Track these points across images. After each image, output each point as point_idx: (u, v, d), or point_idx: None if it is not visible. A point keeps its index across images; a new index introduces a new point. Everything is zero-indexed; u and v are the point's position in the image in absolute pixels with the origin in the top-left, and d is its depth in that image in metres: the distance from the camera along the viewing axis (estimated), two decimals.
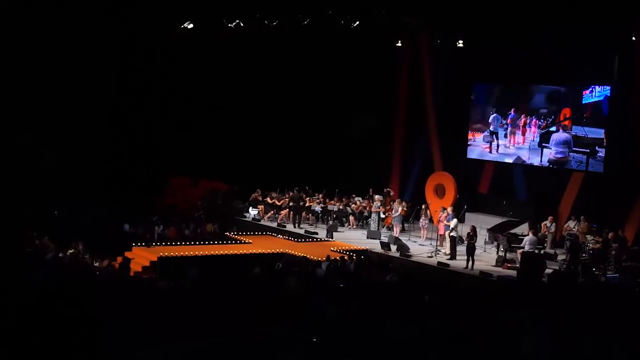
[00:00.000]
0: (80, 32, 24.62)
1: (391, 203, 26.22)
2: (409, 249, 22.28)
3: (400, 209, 24.99)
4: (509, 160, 27.00)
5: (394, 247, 22.41)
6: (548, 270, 19.34)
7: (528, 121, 26.28)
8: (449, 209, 22.98)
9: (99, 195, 24.91)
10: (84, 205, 23.75)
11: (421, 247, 23.40)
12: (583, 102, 24.80)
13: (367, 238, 24.76)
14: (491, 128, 27.36)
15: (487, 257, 22.06)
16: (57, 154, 24.00)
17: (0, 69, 23.06)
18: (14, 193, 22.38)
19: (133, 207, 24.49)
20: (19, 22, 23.45)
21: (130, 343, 8.91)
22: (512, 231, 22.38)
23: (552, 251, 22.42)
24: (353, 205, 27.62)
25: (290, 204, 26.80)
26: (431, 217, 24.87)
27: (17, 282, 12.41)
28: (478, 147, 27.89)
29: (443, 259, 21.54)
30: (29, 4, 23.22)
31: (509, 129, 26.93)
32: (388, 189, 28.11)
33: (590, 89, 24.58)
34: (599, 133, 24.25)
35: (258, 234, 24.98)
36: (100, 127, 26.23)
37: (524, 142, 26.47)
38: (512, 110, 26.75)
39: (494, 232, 22.78)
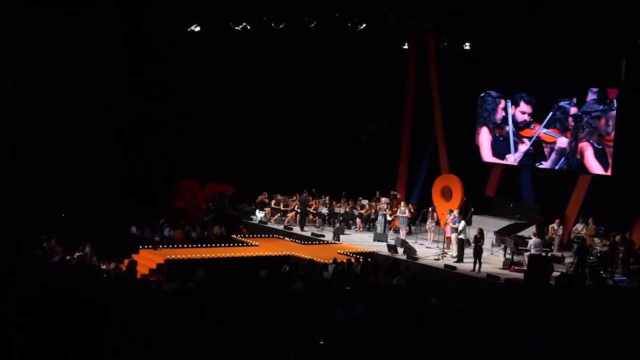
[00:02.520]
0: (89, 35, 24.72)
1: (398, 205, 26.21)
2: (415, 251, 22.27)
3: (406, 211, 24.97)
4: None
5: (400, 250, 22.40)
6: (555, 273, 19.31)
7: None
8: (455, 212, 22.97)
9: (107, 197, 24.95)
10: (91, 207, 23.81)
11: (428, 250, 23.40)
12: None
13: (374, 241, 24.75)
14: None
15: (494, 260, 22.04)
16: (66, 157, 24.07)
17: (10, 71, 23.22)
18: (22, 195, 22.48)
19: (141, 210, 24.51)
20: (28, 26, 23.60)
21: (138, 343, 8.92)
22: (520, 234, 22.33)
23: (559, 254, 22.37)
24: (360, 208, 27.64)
25: (297, 208, 26.80)
26: (438, 220, 24.85)
27: (25, 283, 12.44)
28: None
29: (450, 261, 21.52)
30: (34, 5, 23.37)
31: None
32: (395, 192, 28.11)
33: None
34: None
35: (265, 237, 24.99)
36: (109, 130, 26.26)
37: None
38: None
39: (501, 234, 22.75)
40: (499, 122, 27.44)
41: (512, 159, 27.22)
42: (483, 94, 27.92)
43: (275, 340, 8.26)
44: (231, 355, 8.00)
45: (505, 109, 27.32)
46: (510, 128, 27.17)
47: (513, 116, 26.99)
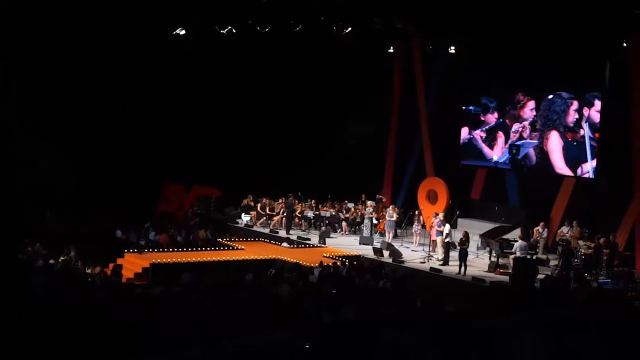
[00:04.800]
0: (77, 39, 24.69)
1: (383, 209, 26.23)
2: (401, 254, 22.30)
3: (394, 215, 25.01)
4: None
5: (386, 253, 22.42)
6: (540, 276, 19.39)
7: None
8: (441, 215, 23.03)
9: (93, 201, 24.87)
10: (77, 211, 23.72)
11: (414, 253, 23.42)
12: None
13: (360, 244, 24.76)
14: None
15: (479, 263, 22.10)
16: (51, 161, 23.98)
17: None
18: (7, 198, 22.36)
19: (126, 214, 24.43)
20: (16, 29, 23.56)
21: (124, 350, 8.88)
22: (505, 237, 22.43)
23: (544, 256, 22.47)
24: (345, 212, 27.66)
25: (282, 211, 26.80)
26: (424, 223, 24.89)
27: (11, 289, 12.36)
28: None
29: (436, 264, 21.56)
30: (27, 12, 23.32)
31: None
32: (380, 196, 28.15)
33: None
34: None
35: (250, 240, 24.94)
36: (94, 134, 26.18)
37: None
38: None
39: (486, 237, 22.83)
40: (572, 125, 24.99)
41: (588, 167, 24.50)
42: (552, 96, 25.51)
43: (263, 345, 8.25)
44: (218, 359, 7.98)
45: (576, 110, 24.88)
46: (586, 132, 24.58)
47: (588, 117, 24.49)
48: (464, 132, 28.36)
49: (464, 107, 28.35)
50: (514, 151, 26.75)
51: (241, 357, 7.81)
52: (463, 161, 28.57)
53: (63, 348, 8.76)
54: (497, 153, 27.42)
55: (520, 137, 26.67)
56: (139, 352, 8.49)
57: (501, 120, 27.30)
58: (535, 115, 26.16)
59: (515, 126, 26.74)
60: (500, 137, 27.30)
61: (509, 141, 26.94)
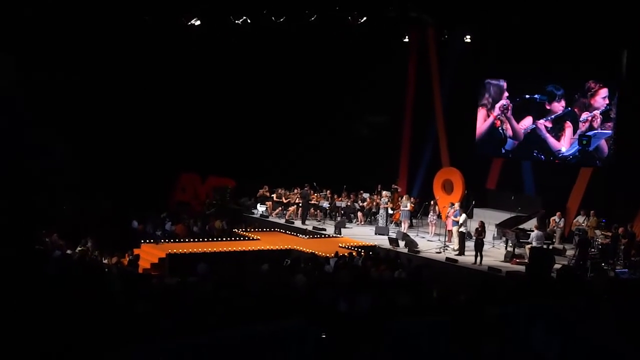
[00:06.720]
0: (90, 27, 24.75)
1: (399, 199, 26.21)
2: (417, 244, 22.28)
3: (408, 204, 24.97)
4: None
5: (402, 243, 22.40)
6: (557, 266, 19.31)
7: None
8: (457, 205, 22.97)
9: (109, 192, 24.97)
10: (93, 202, 23.81)
11: (429, 243, 23.40)
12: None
13: (375, 234, 24.75)
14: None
15: (495, 253, 22.05)
16: (67, 151, 24.06)
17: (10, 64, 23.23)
18: (24, 189, 22.47)
19: (143, 204, 24.52)
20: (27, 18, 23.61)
21: (139, 337, 8.93)
22: (521, 226, 22.33)
23: (560, 246, 22.39)
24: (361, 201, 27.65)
25: (298, 201, 26.83)
26: (439, 213, 24.84)
27: (27, 279, 12.44)
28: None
29: (451, 254, 21.52)
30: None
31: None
32: (395, 186, 28.12)
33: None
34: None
35: (266, 231, 24.98)
36: (110, 124, 26.26)
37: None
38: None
39: (502, 227, 22.74)
40: None
41: None
42: None
43: (278, 334, 8.27)
44: (234, 349, 8.01)
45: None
46: None
47: None
48: (527, 121, 26.70)
49: (527, 96, 26.67)
50: (585, 142, 24.66)
51: (252, 345, 7.84)
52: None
53: (70, 337, 8.81)
54: (565, 144, 25.62)
55: (591, 127, 24.88)
56: (148, 339, 8.53)
57: (569, 108, 25.46)
58: (608, 104, 24.56)
59: (584, 115, 25.02)
60: (569, 127, 25.46)
61: (578, 131, 25.16)
